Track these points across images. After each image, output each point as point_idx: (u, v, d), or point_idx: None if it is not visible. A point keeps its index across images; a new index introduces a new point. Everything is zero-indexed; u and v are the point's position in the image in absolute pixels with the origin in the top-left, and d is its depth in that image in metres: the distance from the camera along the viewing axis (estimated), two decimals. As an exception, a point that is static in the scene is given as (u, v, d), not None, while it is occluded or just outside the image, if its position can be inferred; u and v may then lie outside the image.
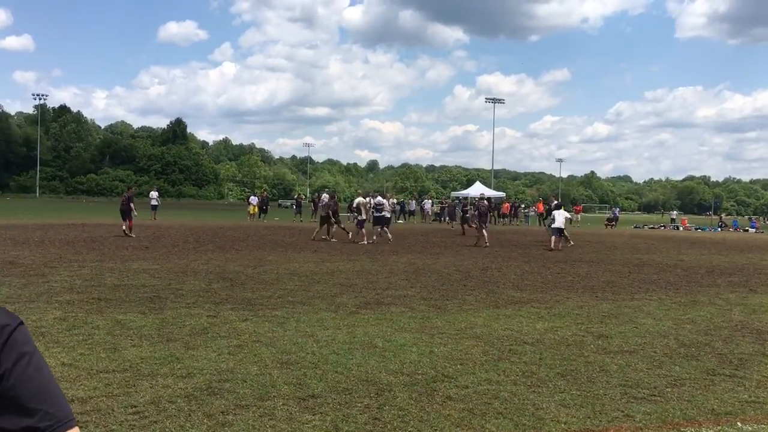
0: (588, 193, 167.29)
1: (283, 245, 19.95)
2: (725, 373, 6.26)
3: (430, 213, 47.22)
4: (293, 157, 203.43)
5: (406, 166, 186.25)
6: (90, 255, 15.16)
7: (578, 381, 5.82)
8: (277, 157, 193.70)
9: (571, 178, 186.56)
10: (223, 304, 9.12)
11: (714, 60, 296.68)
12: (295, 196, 55.09)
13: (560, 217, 22.18)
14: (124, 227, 21.28)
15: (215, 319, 8.06)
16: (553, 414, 4.90)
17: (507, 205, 49.17)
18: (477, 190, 56.26)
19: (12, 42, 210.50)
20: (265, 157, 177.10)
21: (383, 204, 22.99)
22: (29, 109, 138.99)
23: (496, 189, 77.06)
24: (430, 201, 51.08)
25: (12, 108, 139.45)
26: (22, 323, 1.28)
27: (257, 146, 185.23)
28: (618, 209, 60.86)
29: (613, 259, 18.92)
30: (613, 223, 46.74)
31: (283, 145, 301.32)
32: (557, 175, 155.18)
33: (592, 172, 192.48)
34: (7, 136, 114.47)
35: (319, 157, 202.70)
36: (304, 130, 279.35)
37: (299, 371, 5.81)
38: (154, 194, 39.18)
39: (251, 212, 38.62)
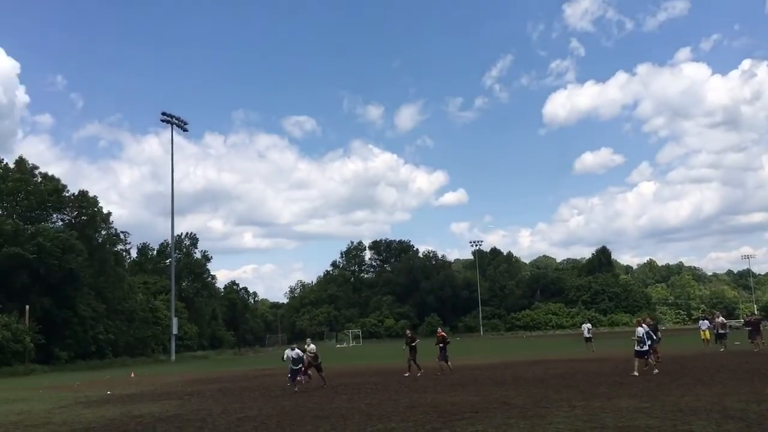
0: None
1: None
2: None
3: None
4: (729, 272, 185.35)
5: None
6: (567, 393, 15.10)
7: None
8: (711, 273, 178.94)
9: None
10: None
11: None
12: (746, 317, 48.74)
13: None
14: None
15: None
16: None
17: None
18: None
19: (450, 198, 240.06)
20: (696, 275, 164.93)
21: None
22: (465, 255, 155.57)
23: None
24: None
25: (451, 256, 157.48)
26: None
27: (686, 264, 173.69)
28: None
29: None
30: None
31: (716, 260, 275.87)
32: None
33: None
34: (452, 282, 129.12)
35: (761, 269, 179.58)
36: (740, 241, 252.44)
37: None
38: (586, 326, 38.77)
39: (704, 338, 35.14)
